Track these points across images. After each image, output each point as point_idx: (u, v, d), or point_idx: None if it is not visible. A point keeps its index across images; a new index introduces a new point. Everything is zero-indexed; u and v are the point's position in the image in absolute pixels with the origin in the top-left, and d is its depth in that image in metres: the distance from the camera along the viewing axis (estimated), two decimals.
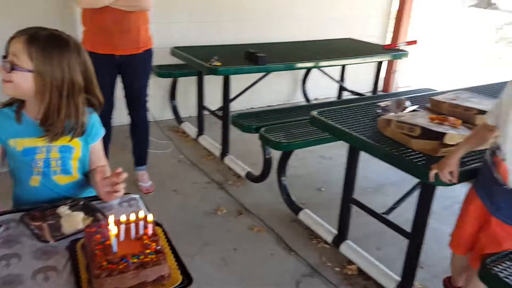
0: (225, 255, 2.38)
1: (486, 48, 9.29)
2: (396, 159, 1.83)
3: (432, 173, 1.65)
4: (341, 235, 2.42)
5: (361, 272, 2.29)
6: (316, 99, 4.96)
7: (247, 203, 2.88)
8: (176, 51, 3.50)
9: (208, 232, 2.58)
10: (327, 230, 2.52)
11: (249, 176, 3.12)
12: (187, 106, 4.19)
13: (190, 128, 3.90)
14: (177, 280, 1.04)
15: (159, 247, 1.05)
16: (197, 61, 3.19)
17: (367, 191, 3.10)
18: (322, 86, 4.96)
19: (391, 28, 5.22)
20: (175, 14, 3.94)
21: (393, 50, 3.94)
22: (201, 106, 3.65)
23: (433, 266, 2.36)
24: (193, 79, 3.83)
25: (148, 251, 1.03)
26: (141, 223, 1.09)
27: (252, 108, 4.60)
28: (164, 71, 3.76)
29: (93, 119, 1.39)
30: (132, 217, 1.09)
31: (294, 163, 3.35)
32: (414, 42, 4.10)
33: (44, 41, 1.21)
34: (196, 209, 2.81)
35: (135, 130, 2.92)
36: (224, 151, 3.41)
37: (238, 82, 3.87)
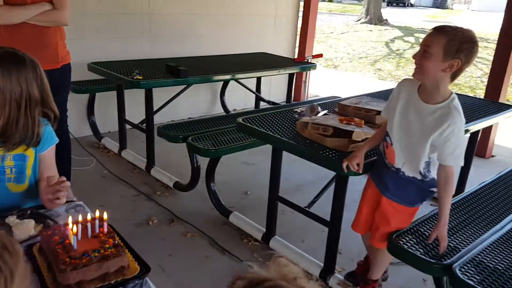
0: (161, 262, 2.45)
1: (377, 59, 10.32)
2: (314, 156, 2.08)
3: (344, 164, 1.91)
4: (269, 232, 2.63)
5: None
6: (234, 109, 5.18)
7: (178, 211, 2.97)
8: (94, 66, 3.50)
9: (142, 242, 2.62)
10: (257, 229, 2.71)
11: (177, 185, 3.21)
12: (106, 121, 4.16)
13: (111, 143, 3.89)
14: (136, 270, 1.14)
15: (116, 242, 1.15)
16: (118, 76, 3.23)
17: (288, 191, 3.34)
18: (239, 97, 5.21)
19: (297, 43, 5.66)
20: (89, 30, 3.93)
21: (302, 63, 4.30)
22: (122, 120, 3.67)
23: (348, 251, 2.65)
24: (109, 94, 3.84)
25: (107, 245, 1.13)
26: (96, 222, 1.18)
27: (172, 120, 4.68)
28: (81, 87, 3.72)
29: (47, 130, 1.44)
30: (88, 217, 1.17)
31: (219, 170, 3.49)
32: (320, 55, 4.51)
33: (2, 59, 1.27)
34: (126, 221, 2.83)
35: (56, 146, 2.87)
36: (150, 163, 3.46)
37: (157, 95, 3.94)
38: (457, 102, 1.68)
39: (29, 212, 1.33)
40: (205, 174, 2.96)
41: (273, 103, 4.71)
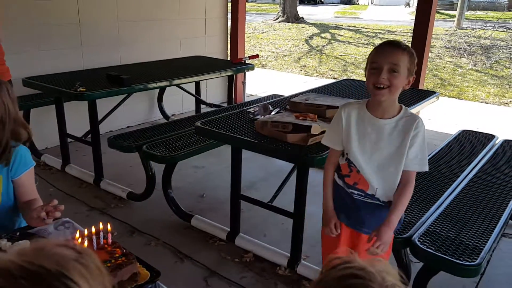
0: None
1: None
2: (276, 151, 2.20)
3: (326, 232, 1.77)
4: (234, 230, 2.70)
5: (257, 257, 2.60)
6: (173, 114, 5.16)
7: (137, 221, 2.94)
8: (31, 81, 3.32)
9: None
10: (220, 229, 2.77)
11: (131, 196, 3.17)
12: (43, 137, 3.96)
13: (52, 160, 3.71)
14: (146, 275, 1.18)
15: (125, 250, 1.17)
16: (58, 89, 3.11)
17: (243, 189, 3.43)
18: (177, 102, 5.21)
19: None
20: (20, 44, 3.72)
21: (240, 64, 4.41)
22: (64, 135, 3.52)
23: (309, 238, 2.79)
24: (44, 109, 3.67)
25: (116, 255, 1.15)
26: (101, 234, 1.19)
27: (111, 131, 4.56)
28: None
29: (21, 153, 1.39)
30: (93, 229, 1.18)
31: (172, 176, 3.51)
32: (256, 56, 4.65)
33: None
34: None
35: None
36: (98, 177, 3.37)
37: (99, 105, 3.84)
38: (410, 110, 1.70)
39: (18, 233, 1.29)
40: (162, 181, 2.96)
41: (215, 105, 4.77)
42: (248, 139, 2.28)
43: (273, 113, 2.69)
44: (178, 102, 5.25)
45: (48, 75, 3.50)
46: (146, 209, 3.11)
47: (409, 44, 4.62)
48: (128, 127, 4.76)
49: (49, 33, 3.93)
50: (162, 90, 4.92)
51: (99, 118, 3.73)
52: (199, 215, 2.95)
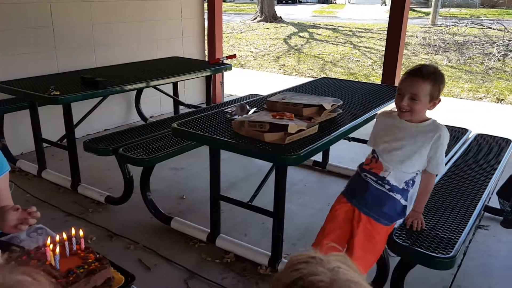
0: None
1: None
2: (254, 151, 2.20)
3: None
4: (214, 231, 2.69)
5: (238, 258, 2.60)
6: (151, 116, 5.11)
7: (116, 225, 2.90)
8: (3, 85, 3.24)
9: None
10: (200, 231, 2.76)
11: (110, 199, 3.13)
12: (18, 143, 3.88)
13: (28, 165, 3.64)
14: (121, 280, 1.16)
15: (98, 255, 1.16)
16: (32, 93, 3.05)
17: (223, 189, 3.42)
18: (155, 103, 5.17)
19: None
20: None
21: (217, 64, 4.39)
22: (39, 140, 3.45)
23: (289, 237, 2.82)
24: (18, 114, 3.59)
25: (89, 260, 1.13)
26: (73, 240, 1.17)
27: (88, 134, 4.50)
28: None
29: None
30: (64, 236, 1.16)
31: (151, 179, 3.47)
32: (233, 56, 4.65)
33: None
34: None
35: None
36: (75, 181, 3.32)
37: (74, 109, 3.77)
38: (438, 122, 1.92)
39: None
40: (140, 183, 2.93)
41: (193, 106, 4.75)
42: (226, 139, 2.28)
43: (250, 112, 2.69)
44: (156, 103, 5.21)
45: (21, 79, 3.43)
46: (125, 213, 3.07)
47: (385, 41, 4.72)
48: (105, 130, 4.70)
49: (21, 36, 3.85)
50: (139, 92, 4.88)
51: (75, 121, 3.68)
52: (179, 217, 2.93)
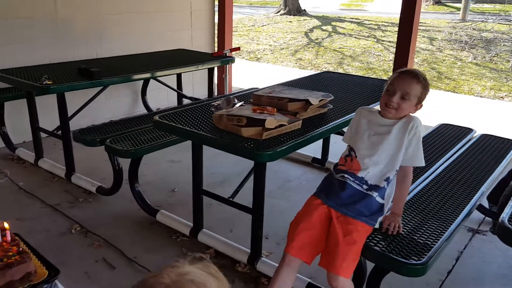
0: (87, 269, 2.40)
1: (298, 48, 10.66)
2: (230, 146, 2.14)
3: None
4: (197, 226, 2.66)
5: (218, 253, 2.55)
6: (158, 109, 5.11)
7: (103, 215, 2.91)
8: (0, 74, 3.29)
9: (66, 251, 2.55)
10: (184, 225, 2.73)
11: (101, 190, 3.13)
12: (20, 131, 3.94)
13: (27, 154, 3.69)
14: (43, 274, 1.13)
15: (21, 249, 1.13)
16: (25, 82, 3.07)
17: (215, 184, 3.40)
18: (162, 96, 5.16)
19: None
20: None
21: (220, 57, 4.34)
22: (36, 128, 3.49)
23: (275, 235, 2.75)
24: (21, 102, 3.64)
25: (10, 253, 1.10)
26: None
27: (93, 124, 4.52)
28: None
29: None
30: None
31: (146, 171, 3.48)
32: (237, 48, 4.58)
33: None
34: (47, 232, 2.73)
35: None
36: (70, 170, 3.34)
37: (77, 99, 3.81)
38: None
39: None
40: (128, 175, 2.91)
41: (195, 99, 4.71)
42: (203, 133, 2.22)
43: (236, 106, 2.62)
44: (164, 96, 5.21)
45: (19, 68, 3.47)
46: (114, 204, 3.07)
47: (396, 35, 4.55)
48: (110, 120, 4.72)
49: (24, 25, 3.89)
50: (145, 83, 4.88)
51: (77, 112, 3.72)
52: (167, 210, 2.91)
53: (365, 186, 1.83)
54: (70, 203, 3.06)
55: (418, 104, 1.85)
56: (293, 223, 1.94)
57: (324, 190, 1.94)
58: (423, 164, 1.86)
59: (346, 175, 1.86)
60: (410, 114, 1.87)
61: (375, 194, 1.83)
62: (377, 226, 1.88)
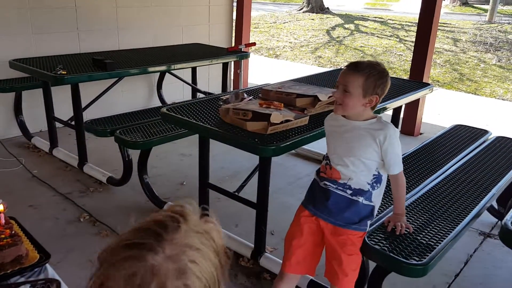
0: (93, 257, 2.42)
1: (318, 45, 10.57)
2: (234, 140, 2.13)
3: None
4: None
5: None
6: (173, 102, 5.14)
7: (112, 206, 2.95)
8: (16, 63, 3.36)
9: (73, 238, 2.59)
10: None
11: (111, 180, 3.18)
12: (37, 120, 4.02)
13: (42, 142, 3.77)
14: (35, 258, 1.15)
15: (13, 232, 1.15)
16: (41, 72, 3.13)
17: (224, 178, 3.40)
18: (178, 90, 5.19)
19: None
20: (13, 25, 3.78)
21: (236, 52, 4.34)
22: (51, 118, 3.56)
23: (282, 232, 2.72)
24: (38, 92, 3.72)
25: (2, 236, 1.12)
26: None
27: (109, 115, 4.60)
28: (6, 86, 3.57)
29: None
30: None
31: (156, 163, 3.51)
32: (253, 44, 4.57)
33: None
34: (57, 220, 2.78)
35: None
36: (82, 160, 3.39)
37: (92, 90, 3.86)
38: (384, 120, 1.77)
39: None
40: (137, 166, 2.94)
41: (209, 94, 4.72)
42: (209, 126, 2.22)
43: (245, 100, 2.61)
44: (179, 90, 5.24)
45: (37, 57, 3.54)
46: (123, 194, 3.11)
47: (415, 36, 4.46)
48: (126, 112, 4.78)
49: (44, 16, 3.97)
50: (161, 77, 4.92)
51: (91, 102, 3.77)
52: (173, 203, 2.92)
53: (349, 191, 1.74)
54: (81, 192, 3.11)
55: (368, 96, 1.67)
56: (286, 239, 1.91)
57: (311, 200, 1.86)
58: (396, 172, 1.72)
59: (327, 183, 1.78)
60: (381, 119, 1.74)
61: (361, 199, 1.74)
62: (370, 228, 1.82)
